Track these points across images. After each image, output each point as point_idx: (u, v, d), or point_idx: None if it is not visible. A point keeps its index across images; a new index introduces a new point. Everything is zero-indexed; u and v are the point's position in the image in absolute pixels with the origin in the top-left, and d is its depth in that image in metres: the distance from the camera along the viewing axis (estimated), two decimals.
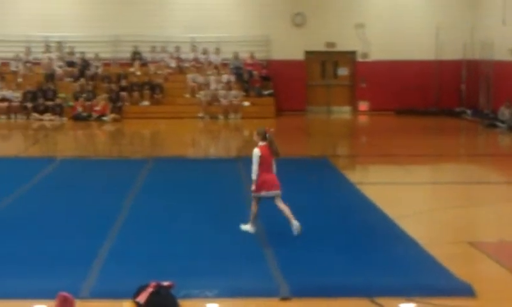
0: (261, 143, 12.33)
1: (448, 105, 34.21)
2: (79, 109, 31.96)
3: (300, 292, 9.48)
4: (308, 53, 35.05)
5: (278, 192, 12.29)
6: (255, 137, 12.46)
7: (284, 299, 9.37)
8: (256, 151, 12.26)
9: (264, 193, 12.25)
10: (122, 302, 8.98)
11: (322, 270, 10.39)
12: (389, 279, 9.98)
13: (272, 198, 12.30)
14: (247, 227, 12.47)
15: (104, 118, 31.49)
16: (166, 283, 4.39)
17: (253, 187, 12.28)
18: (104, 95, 32.52)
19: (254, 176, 12.24)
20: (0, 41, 33.82)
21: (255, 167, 12.22)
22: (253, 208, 12.42)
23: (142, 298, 4.24)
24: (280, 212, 12.27)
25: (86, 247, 11.19)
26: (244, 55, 34.39)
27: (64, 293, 4.71)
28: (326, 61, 35.50)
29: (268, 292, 9.49)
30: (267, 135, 12.38)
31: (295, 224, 12.13)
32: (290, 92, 34.26)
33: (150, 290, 4.29)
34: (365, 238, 12.24)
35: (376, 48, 34.85)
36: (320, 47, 34.95)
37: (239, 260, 10.83)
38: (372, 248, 11.57)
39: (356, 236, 12.32)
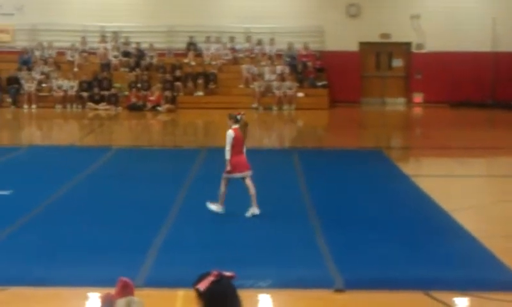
0: (234, 126, 12.93)
1: (504, 97, 33.73)
2: (134, 98, 32.20)
3: (354, 284, 9.45)
4: (362, 44, 34.84)
5: (250, 172, 12.95)
6: (228, 121, 13.05)
7: (338, 290, 9.35)
8: (230, 133, 12.85)
9: (237, 174, 12.86)
10: (177, 291, 9.08)
11: (376, 262, 10.33)
12: (444, 273, 9.89)
13: (243, 178, 12.86)
14: (214, 207, 12.84)
15: (158, 108, 31.69)
16: (228, 273, 4.37)
17: (229, 168, 12.81)
18: (159, 85, 32.71)
19: (228, 156, 12.83)
20: (57, 30, 34.22)
21: (228, 148, 12.81)
22: (223, 188, 12.89)
23: (202, 285, 4.24)
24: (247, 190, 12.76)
25: (141, 236, 11.29)
26: (298, 46, 34.31)
27: (125, 279, 4.73)
28: (380, 53, 35.26)
29: (322, 284, 9.48)
30: (239, 117, 12.97)
31: (254, 209, 12.65)
32: (344, 83, 34.09)
33: (211, 278, 4.28)
34: (419, 231, 12.14)
35: (431, 40, 34.49)
36: (375, 38, 34.71)
37: (293, 251, 10.82)
38: (427, 241, 11.48)
39: (411, 228, 12.23)
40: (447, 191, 15.67)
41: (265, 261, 10.25)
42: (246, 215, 12.67)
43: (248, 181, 12.91)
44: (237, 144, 12.83)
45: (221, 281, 4.33)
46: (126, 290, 4.67)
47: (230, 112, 13.28)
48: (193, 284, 4.37)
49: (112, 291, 4.75)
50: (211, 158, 19.11)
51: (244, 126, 13.01)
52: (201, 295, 4.29)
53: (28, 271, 9.63)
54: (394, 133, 27.65)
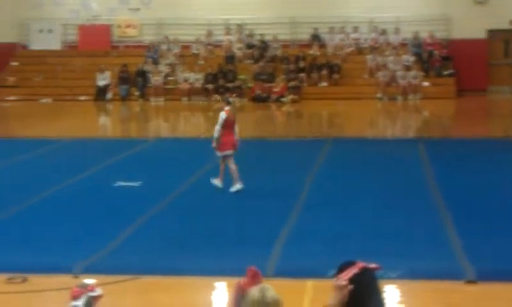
0: (226, 108, 14.19)
1: None
2: (258, 90, 32.39)
3: (486, 276, 9.20)
4: (490, 31, 33.92)
5: (233, 151, 14.15)
6: (221, 104, 14.68)
7: (469, 282, 9.13)
8: (222, 114, 14.08)
9: (227, 152, 14.02)
10: (306, 281, 9.06)
11: (509, 253, 10.03)
12: None
13: (225, 157, 14.06)
14: (216, 181, 13.99)
15: (283, 99, 31.76)
16: (372, 265, 4.27)
17: (214, 144, 14.08)
18: (283, 77, 32.79)
19: (216, 134, 14.03)
20: (183, 24, 34.76)
21: (218, 127, 14.00)
22: (222, 166, 14.15)
23: (345, 276, 4.16)
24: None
25: (269, 226, 11.32)
26: (423, 34, 33.72)
27: (254, 268, 4.73)
28: (510, 40, 34.25)
29: (452, 275, 9.28)
30: (230, 100, 14.72)
31: (237, 185, 13.83)
32: (471, 72, 33.26)
33: (354, 270, 4.19)
34: None
35: None
36: (504, 25, 33.71)
37: (421, 242, 10.63)
38: None
39: None
40: None
41: (394, 252, 10.10)
42: (230, 191, 13.80)
43: (230, 161, 14.07)
44: (227, 124, 14.07)
45: (364, 272, 4.22)
46: (256, 279, 4.68)
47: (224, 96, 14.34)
48: (335, 273, 4.27)
49: (241, 280, 4.77)
50: (336, 149, 19.04)
51: (233, 109, 14.49)
52: (343, 286, 4.17)
53: (159, 261, 9.80)
54: None
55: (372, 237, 10.86)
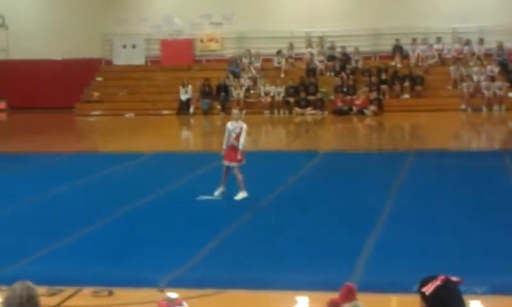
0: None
1: None
2: (340, 103, 32.26)
3: None
4: None
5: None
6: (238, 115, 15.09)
7: None
8: (244, 126, 14.57)
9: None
10: (391, 295, 8.95)
11: None
12: None
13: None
14: (242, 195, 14.21)
15: (364, 112, 31.57)
16: (454, 278, 4.24)
17: (241, 157, 14.37)
18: (364, 89, 32.60)
19: (242, 147, 14.36)
20: (264, 38, 34.88)
21: (244, 140, 14.44)
22: (240, 176, 14.40)
23: (428, 289, 4.13)
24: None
25: (352, 239, 11.23)
26: (508, 44, 33.10)
27: (349, 284, 4.71)
28: None
29: None
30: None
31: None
32: None
33: (437, 283, 4.16)
34: None
35: None
36: None
37: (509, 257, 10.38)
38: None
39: None
40: None
41: (479, 266, 9.90)
42: (235, 199, 14.21)
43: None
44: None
45: (447, 285, 4.20)
46: (350, 295, 4.65)
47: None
48: (418, 287, 4.27)
49: (335, 296, 4.75)
50: (419, 162, 18.81)
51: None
52: (426, 298, 4.18)
53: (243, 274, 9.81)
54: None
55: (457, 251, 10.68)
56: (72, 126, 32.28)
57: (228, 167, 14.54)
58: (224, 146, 14.62)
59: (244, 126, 14.59)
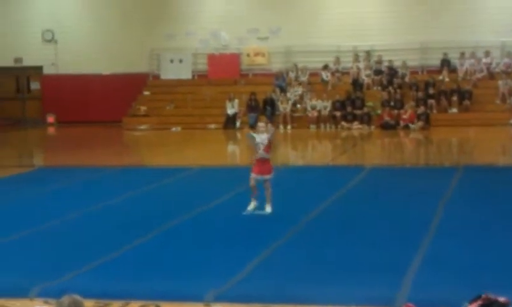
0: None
1: None
2: (386, 117, 32.09)
3: None
4: None
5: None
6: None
7: None
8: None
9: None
10: None
11: None
12: None
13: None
14: (270, 209, 14.21)
15: (412, 126, 31.36)
16: (501, 299, 4.16)
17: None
18: (411, 103, 32.40)
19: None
20: (311, 52, 34.89)
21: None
22: (270, 189, 14.37)
23: None
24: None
25: (399, 255, 11.12)
26: None
27: (411, 304, 4.68)
28: None
29: None
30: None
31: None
32: None
33: (479, 302, 4.09)
34: None
35: None
36: None
37: None
38: None
39: None
40: None
41: None
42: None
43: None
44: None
45: (491, 305, 4.11)
46: None
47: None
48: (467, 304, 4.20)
49: None
50: (468, 177, 18.61)
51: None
52: None
53: (290, 289, 9.76)
54: None
55: (508, 269, 10.51)
56: (119, 140, 32.54)
57: (258, 181, 14.28)
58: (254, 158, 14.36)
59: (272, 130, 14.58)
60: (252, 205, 14.34)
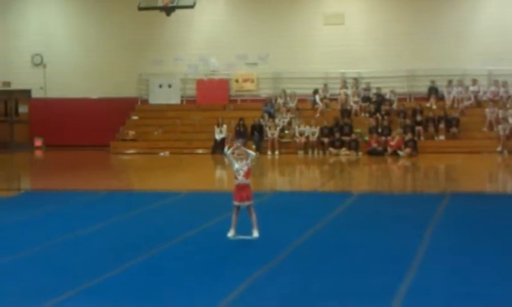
0: None
1: None
2: (374, 144, 32.19)
3: None
4: None
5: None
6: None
7: None
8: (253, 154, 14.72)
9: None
10: None
11: None
12: None
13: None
14: (257, 234, 14.19)
15: (399, 153, 31.46)
16: None
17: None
18: (399, 130, 32.53)
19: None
20: (299, 78, 35.02)
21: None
22: (255, 214, 14.37)
23: None
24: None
25: (386, 282, 11.12)
26: None
27: None
28: None
29: None
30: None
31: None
32: None
33: None
34: None
35: None
36: None
37: None
38: None
39: None
40: None
41: None
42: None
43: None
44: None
45: None
46: None
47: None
48: None
49: None
50: (455, 204, 18.65)
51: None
52: None
53: None
54: None
55: (494, 297, 10.52)
56: (107, 165, 32.49)
57: (239, 208, 14.29)
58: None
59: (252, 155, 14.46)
60: (232, 232, 14.33)
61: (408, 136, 32.12)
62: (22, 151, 37.49)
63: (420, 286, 10.99)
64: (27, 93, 39.37)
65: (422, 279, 11.43)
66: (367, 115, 34.27)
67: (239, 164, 14.18)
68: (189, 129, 35.65)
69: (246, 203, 14.23)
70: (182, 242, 14.34)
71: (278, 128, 33.78)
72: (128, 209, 18.17)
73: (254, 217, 14.29)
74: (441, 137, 32.78)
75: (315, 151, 32.93)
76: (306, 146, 33.15)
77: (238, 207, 14.27)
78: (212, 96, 36.45)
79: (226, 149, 14.64)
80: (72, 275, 11.74)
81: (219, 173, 30.64)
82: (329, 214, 17.22)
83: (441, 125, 32.81)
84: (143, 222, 16.68)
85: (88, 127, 37.32)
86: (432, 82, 34.33)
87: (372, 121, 33.34)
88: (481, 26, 34.32)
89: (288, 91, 35.44)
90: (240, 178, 14.15)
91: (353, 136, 32.89)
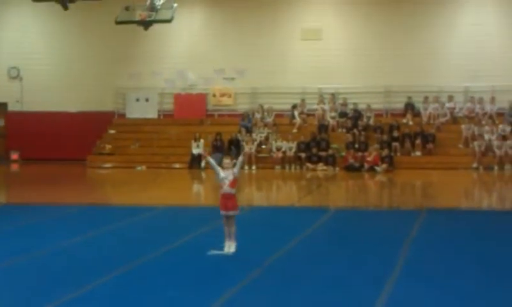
0: None
1: None
2: (351, 159, 32.27)
3: None
4: None
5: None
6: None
7: None
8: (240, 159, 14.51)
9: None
10: None
11: None
12: None
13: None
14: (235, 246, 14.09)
15: (376, 168, 31.56)
16: None
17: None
18: (376, 146, 32.63)
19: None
20: (276, 93, 35.08)
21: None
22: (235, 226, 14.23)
23: None
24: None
25: (363, 298, 11.12)
26: None
27: None
28: None
29: None
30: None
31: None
32: None
33: None
34: None
35: None
36: None
37: None
38: None
39: None
40: None
41: None
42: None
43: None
44: None
45: None
46: None
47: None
48: None
49: None
50: (431, 220, 18.72)
51: None
52: None
53: None
54: None
55: None
56: (83, 179, 32.33)
57: (227, 217, 14.21)
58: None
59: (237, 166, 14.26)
60: (226, 243, 14.26)
61: (385, 152, 32.25)
62: None
63: (397, 301, 11.01)
64: (3, 106, 39.17)
65: (399, 294, 11.45)
66: (344, 130, 34.38)
67: (224, 173, 14.08)
68: (166, 143, 35.60)
69: (231, 213, 14.11)
70: (158, 257, 14.27)
71: (255, 143, 33.80)
72: (104, 223, 18.08)
73: (233, 230, 14.20)
74: (418, 153, 32.94)
75: (292, 166, 32.97)
76: (283, 161, 33.18)
77: (222, 217, 14.22)
78: (190, 111, 36.44)
79: (208, 157, 14.84)
80: (45, 290, 11.64)
81: (196, 187, 30.58)
82: (306, 229, 17.21)
83: (418, 141, 32.97)
84: (120, 237, 16.59)
85: (64, 141, 37.17)
86: (409, 98, 34.52)
87: (349, 137, 33.45)
88: (457, 43, 34.59)
89: (265, 106, 35.50)
90: (225, 187, 14.07)
91: (330, 151, 32.97)
